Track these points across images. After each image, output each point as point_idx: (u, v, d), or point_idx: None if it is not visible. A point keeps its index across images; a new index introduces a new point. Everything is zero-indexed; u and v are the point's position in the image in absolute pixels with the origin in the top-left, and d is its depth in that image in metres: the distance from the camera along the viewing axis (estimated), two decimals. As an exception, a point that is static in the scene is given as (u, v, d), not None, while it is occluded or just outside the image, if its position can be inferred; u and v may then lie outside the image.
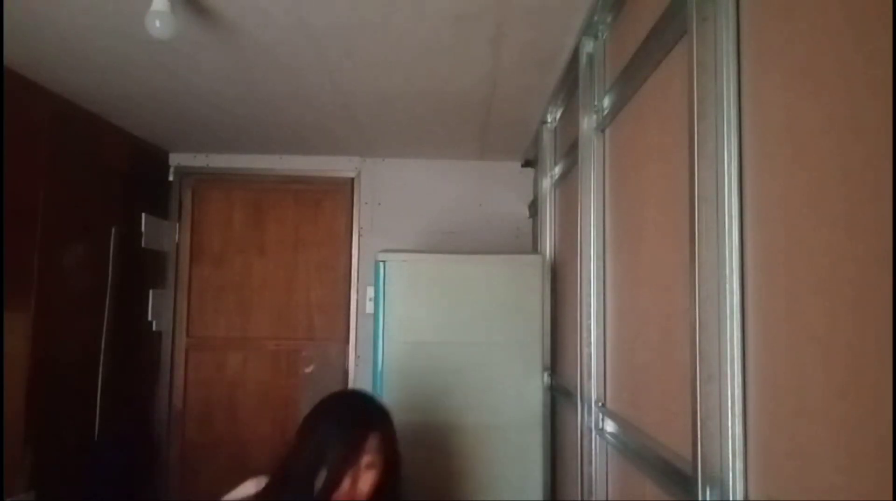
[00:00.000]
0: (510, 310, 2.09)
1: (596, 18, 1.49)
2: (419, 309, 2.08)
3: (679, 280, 0.95)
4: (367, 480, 1.30)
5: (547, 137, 2.34)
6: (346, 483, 1.30)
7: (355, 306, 2.99)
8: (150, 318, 2.87)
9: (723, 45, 0.84)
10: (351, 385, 2.96)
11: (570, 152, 1.88)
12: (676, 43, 1.01)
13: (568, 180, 2.01)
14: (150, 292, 2.87)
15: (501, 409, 2.06)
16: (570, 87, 1.89)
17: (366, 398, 1.44)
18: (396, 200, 3.05)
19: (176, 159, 3.04)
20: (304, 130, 2.61)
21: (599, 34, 1.54)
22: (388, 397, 2.03)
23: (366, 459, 1.30)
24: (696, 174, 0.85)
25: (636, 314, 1.26)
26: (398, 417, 1.40)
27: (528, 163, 2.95)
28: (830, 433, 0.61)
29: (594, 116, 1.53)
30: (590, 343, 1.51)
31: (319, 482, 1.30)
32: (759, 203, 0.77)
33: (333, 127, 2.56)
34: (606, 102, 1.47)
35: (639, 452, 1.17)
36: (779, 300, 0.71)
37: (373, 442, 1.32)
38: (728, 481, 0.78)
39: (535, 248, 2.76)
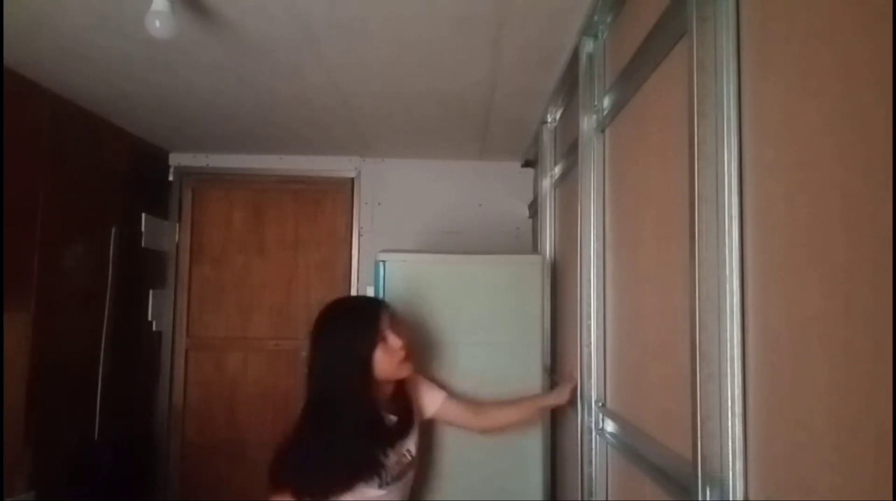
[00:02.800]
0: (510, 310, 2.09)
1: (596, 18, 1.49)
2: (419, 309, 2.08)
3: (679, 280, 0.95)
4: (397, 345, 1.52)
5: (547, 137, 2.34)
6: (382, 359, 1.50)
7: (355, 306, 2.99)
8: (150, 318, 2.87)
9: (723, 45, 0.84)
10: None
11: (570, 152, 1.88)
12: (676, 43, 1.01)
13: (568, 180, 2.01)
14: (150, 292, 2.87)
15: (501, 409, 2.05)
16: (570, 87, 1.89)
17: (358, 297, 1.67)
18: (396, 200, 3.05)
19: (176, 159, 3.04)
20: (304, 130, 2.61)
21: (599, 34, 1.54)
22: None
23: (387, 331, 1.52)
24: (696, 174, 0.85)
25: (636, 313, 1.26)
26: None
27: (528, 163, 2.95)
28: (831, 433, 0.61)
29: (594, 116, 1.53)
30: (590, 343, 1.51)
31: (353, 373, 1.48)
32: (759, 203, 0.77)
33: (333, 127, 2.56)
34: (606, 102, 1.47)
35: (639, 452, 1.17)
36: (779, 300, 0.71)
37: (385, 317, 1.54)
38: (728, 481, 0.78)
39: (535, 248, 2.76)
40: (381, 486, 1.45)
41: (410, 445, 1.60)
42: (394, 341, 1.52)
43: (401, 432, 1.57)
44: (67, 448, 2.25)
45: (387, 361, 1.51)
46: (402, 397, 1.64)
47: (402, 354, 1.54)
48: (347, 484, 1.41)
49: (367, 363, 1.49)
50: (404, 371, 1.57)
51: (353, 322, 1.54)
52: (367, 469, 1.43)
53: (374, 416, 1.51)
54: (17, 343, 1.99)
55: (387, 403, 1.59)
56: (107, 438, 2.46)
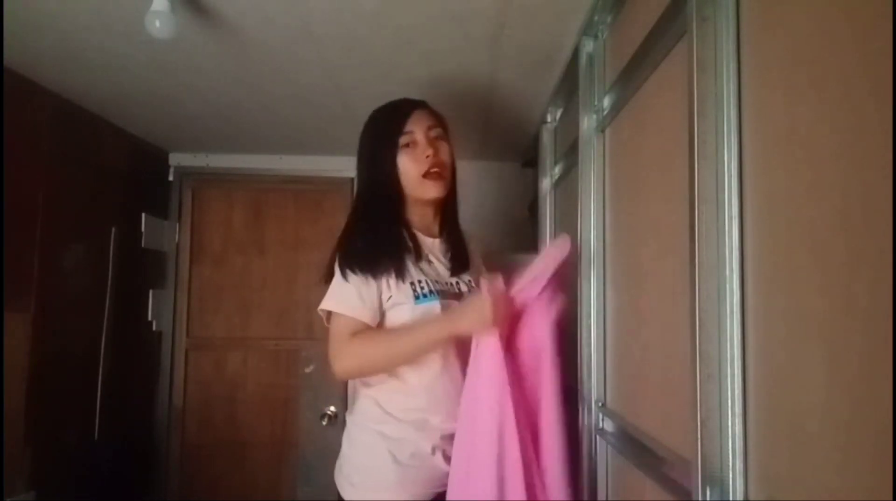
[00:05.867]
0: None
1: (596, 18, 1.49)
2: (419, 309, 2.07)
3: (679, 280, 0.95)
4: (424, 153, 1.44)
5: (547, 137, 2.34)
6: (404, 166, 1.44)
7: (355, 306, 2.99)
8: (150, 318, 2.87)
9: (723, 45, 0.84)
10: (351, 387, 2.95)
11: (570, 152, 1.88)
12: (676, 43, 1.01)
13: (568, 181, 2.01)
14: (150, 292, 2.87)
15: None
16: (570, 87, 1.89)
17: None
18: (396, 200, 3.04)
19: (176, 159, 3.04)
20: (305, 130, 2.61)
21: (599, 34, 1.54)
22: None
23: (418, 134, 1.45)
24: (696, 174, 0.85)
25: (636, 313, 1.26)
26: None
27: (528, 163, 2.95)
28: (831, 433, 0.61)
29: (594, 117, 1.53)
30: (590, 343, 1.51)
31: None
32: (759, 203, 0.77)
33: (333, 127, 2.56)
34: (606, 102, 1.47)
35: (639, 452, 1.17)
36: (779, 300, 0.71)
37: (419, 117, 1.47)
38: (728, 481, 0.78)
39: (535, 248, 2.76)
40: (416, 298, 1.40)
41: (464, 278, 1.53)
42: (422, 147, 1.43)
43: (452, 259, 1.52)
44: (67, 448, 2.25)
45: (409, 169, 1.43)
46: (452, 231, 1.57)
47: (427, 164, 1.42)
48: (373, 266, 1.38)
49: (388, 168, 1.44)
50: (430, 191, 1.45)
51: (380, 117, 1.50)
52: (388, 257, 1.39)
53: (400, 229, 1.45)
54: (17, 343, 1.99)
55: (428, 227, 1.54)
56: (107, 438, 2.46)
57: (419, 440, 1.43)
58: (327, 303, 1.42)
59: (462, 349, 1.43)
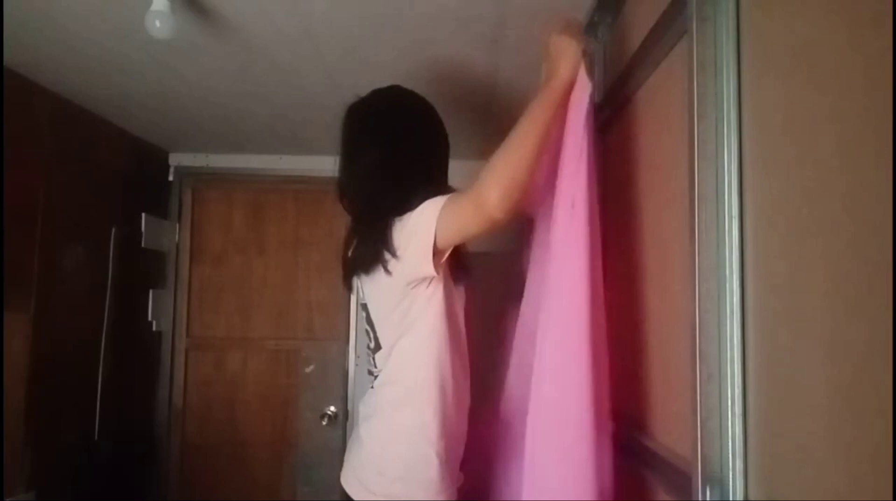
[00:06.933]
0: (510, 310, 2.09)
1: (596, 18, 1.49)
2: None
3: (679, 280, 0.95)
4: None
5: (547, 138, 2.33)
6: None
7: (355, 306, 2.99)
8: (150, 318, 2.87)
9: (723, 45, 0.84)
10: (351, 387, 2.96)
11: (570, 152, 1.88)
12: (676, 43, 1.01)
13: (568, 180, 2.01)
14: (151, 292, 2.87)
15: (501, 409, 2.05)
16: (570, 87, 1.89)
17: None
18: (396, 200, 3.04)
19: (176, 159, 3.04)
20: (305, 130, 2.61)
21: (599, 34, 1.54)
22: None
23: None
24: (696, 174, 0.85)
25: (636, 313, 1.26)
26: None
27: (528, 163, 2.94)
28: (831, 433, 0.61)
29: (594, 116, 1.53)
30: (590, 343, 1.51)
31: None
32: (759, 203, 0.77)
33: (333, 127, 2.55)
34: (606, 102, 1.47)
35: (639, 452, 1.17)
36: (779, 300, 0.71)
37: None
38: (728, 481, 0.78)
39: (535, 248, 2.75)
40: (455, 282, 1.42)
41: None
42: None
43: None
44: (67, 448, 2.25)
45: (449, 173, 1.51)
46: None
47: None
48: None
49: (445, 163, 1.53)
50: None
51: (436, 117, 1.51)
52: None
53: None
54: (17, 343, 1.99)
55: None
56: (107, 438, 2.46)
57: (461, 428, 1.41)
58: (430, 218, 1.26)
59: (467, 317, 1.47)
